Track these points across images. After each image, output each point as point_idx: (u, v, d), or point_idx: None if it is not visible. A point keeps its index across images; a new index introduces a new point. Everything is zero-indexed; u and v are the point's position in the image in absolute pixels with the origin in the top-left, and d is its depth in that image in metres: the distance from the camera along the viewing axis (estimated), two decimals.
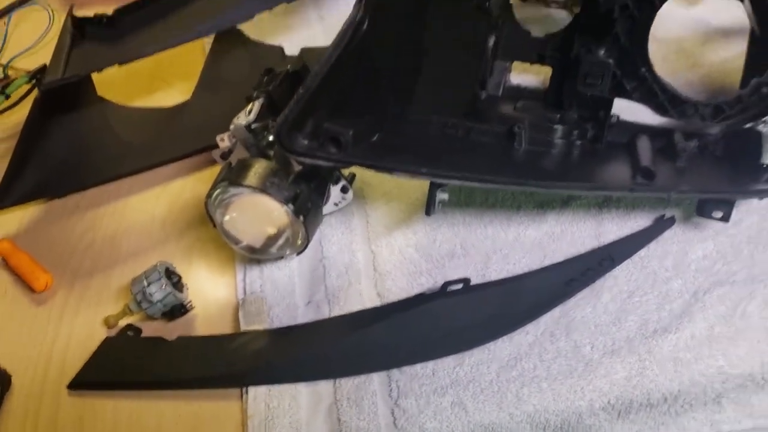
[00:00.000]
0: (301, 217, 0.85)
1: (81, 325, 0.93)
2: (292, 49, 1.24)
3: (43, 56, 1.20)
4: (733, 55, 1.14)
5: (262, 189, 0.83)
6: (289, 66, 0.97)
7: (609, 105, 0.97)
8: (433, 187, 0.83)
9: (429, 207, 0.84)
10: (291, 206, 0.84)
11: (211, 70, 1.17)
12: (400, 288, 0.92)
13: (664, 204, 0.97)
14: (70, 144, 1.05)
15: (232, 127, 0.90)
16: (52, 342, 0.91)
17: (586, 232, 0.95)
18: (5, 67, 1.15)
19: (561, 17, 1.30)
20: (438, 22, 0.94)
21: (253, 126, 0.89)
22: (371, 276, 0.94)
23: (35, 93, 1.14)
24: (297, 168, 0.88)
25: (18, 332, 0.93)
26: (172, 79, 1.23)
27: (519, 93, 1.07)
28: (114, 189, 1.07)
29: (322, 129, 0.80)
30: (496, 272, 0.92)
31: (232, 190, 0.85)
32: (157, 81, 1.22)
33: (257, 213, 0.88)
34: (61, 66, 0.93)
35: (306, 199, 0.85)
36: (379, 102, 0.85)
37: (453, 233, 0.96)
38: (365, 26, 0.76)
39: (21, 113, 1.16)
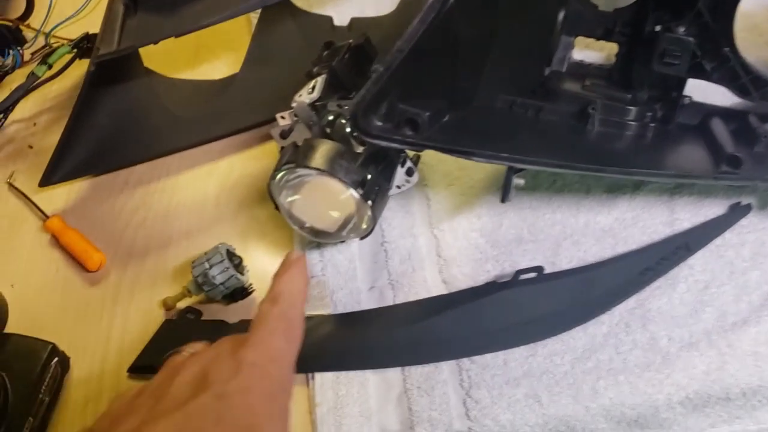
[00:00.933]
0: (369, 202, 0.82)
1: (137, 307, 0.90)
2: (340, 19, 1.19)
3: (85, 25, 1.16)
4: None
5: (331, 172, 0.80)
6: (351, 40, 0.92)
7: (682, 85, 0.93)
8: (510, 172, 0.80)
9: (505, 194, 0.81)
10: (360, 190, 0.81)
11: (260, 41, 1.12)
12: (465, 275, 0.89)
13: (739, 191, 0.93)
14: (118, 118, 1.02)
15: (294, 104, 0.86)
16: (109, 323, 0.89)
17: (659, 219, 0.92)
18: (47, 35, 1.10)
19: None
20: None
21: (317, 104, 0.85)
22: (435, 262, 0.91)
23: (79, 63, 1.11)
24: (361, 150, 0.85)
25: (74, 313, 0.91)
26: (218, 49, 1.18)
27: (582, 69, 1.02)
28: (163, 166, 1.04)
29: (396, 110, 0.77)
30: (566, 260, 0.89)
31: (299, 172, 0.82)
32: (203, 51, 1.18)
33: (323, 196, 0.85)
34: (116, 37, 0.89)
35: (374, 182, 0.82)
36: (454, 80, 0.81)
37: (520, 218, 0.93)
38: None
39: (62, 83, 1.13)
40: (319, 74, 0.89)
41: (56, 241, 0.96)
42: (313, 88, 0.86)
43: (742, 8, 1.15)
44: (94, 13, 1.20)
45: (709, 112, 0.96)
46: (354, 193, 0.82)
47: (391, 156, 0.85)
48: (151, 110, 1.04)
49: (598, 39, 1.01)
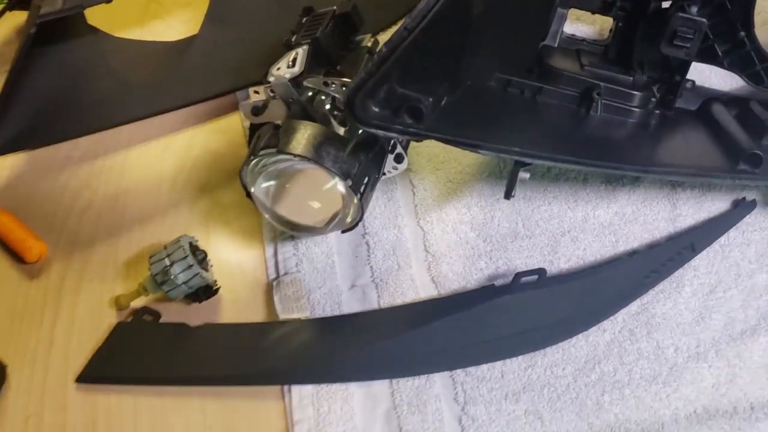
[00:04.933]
0: (358, 195, 0.72)
1: (85, 305, 0.79)
2: None
3: None
4: None
5: (317, 160, 0.70)
6: (335, 7, 0.81)
7: (686, 68, 0.87)
8: (518, 167, 0.72)
9: (510, 189, 0.72)
10: (348, 181, 0.71)
11: None
12: (456, 273, 0.81)
13: (742, 185, 0.88)
14: (59, 83, 0.88)
15: (271, 79, 0.75)
16: (52, 325, 0.78)
17: (661, 214, 0.86)
18: None
19: None
20: None
21: (300, 80, 0.75)
22: (423, 258, 0.83)
23: (10, 15, 0.96)
24: (343, 131, 0.75)
25: (9, 312, 0.78)
26: (170, 4, 1.05)
27: (575, 44, 0.95)
28: (110, 139, 0.91)
29: (395, 95, 0.67)
30: (565, 258, 0.82)
31: (281, 159, 0.72)
32: (153, 6, 1.04)
33: (305, 186, 0.75)
34: None
35: (364, 172, 0.73)
36: (458, 61, 0.72)
37: (513, 210, 0.85)
38: None
39: None
40: (299, 45, 0.78)
41: None
42: (294, 61, 0.75)
43: None
44: None
45: (709, 96, 0.91)
46: (342, 185, 0.72)
47: (382, 142, 0.75)
48: (97, 75, 0.90)
49: (594, 12, 0.93)
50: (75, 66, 0.90)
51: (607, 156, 0.76)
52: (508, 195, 0.73)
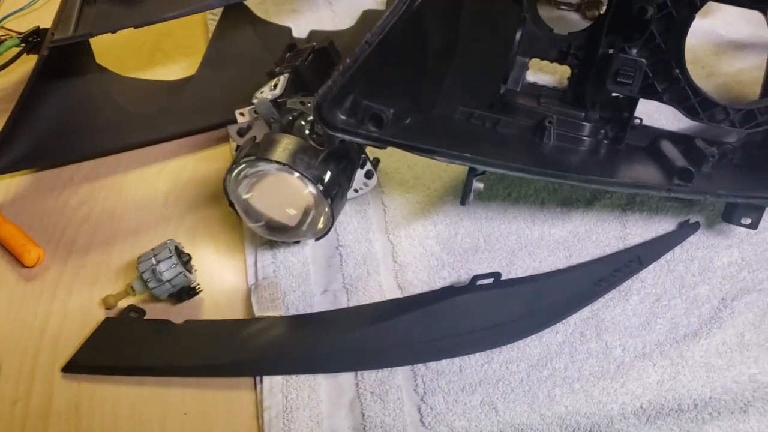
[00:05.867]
0: (329, 199, 0.80)
1: (76, 304, 0.86)
2: (298, 32, 1.19)
3: (36, 18, 1.13)
4: (748, 66, 1.15)
5: (292, 166, 0.78)
6: (314, 43, 0.92)
7: (633, 106, 0.96)
8: (471, 175, 0.80)
9: (465, 196, 0.80)
10: (320, 186, 0.79)
11: (218, 45, 1.11)
12: (421, 280, 0.88)
13: (687, 209, 0.96)
14: (67, 112, 0.98)
15: (255, 101, 0.85)
16: (44, 321, 0.84)
17: (611, 233, 0.93)
18: None
19: (573, 19, 1.29)
20: (474, 9, 0.91)
21: (279, 101, 0.84)
22: (391, 267, 0.89)
23: (26, 59, 1.07)
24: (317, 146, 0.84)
25: (6, 309, 0.85)
26: (173, 52, 1.16)
27: (537, 90, 1.04)
28: (111, 163, 1.00)
29: (360, 106, 0.76)
30: (521, 269, 0.89)
31: (260, 166, 0.80)
32: (158, 54, 1.16)
33: (281, 192, 0.83)
34: (72, 24, 0.86)
35: (334, 180, 0.81)
36: (418, 83, 0.81)
37: (476, 227, 0.93)
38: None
39: (7, 78, 1.09)
40: (281, 73, 0.88)
41: None
42: (276, 85, 0.85)
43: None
44: (46, 7, 1.16)
45: (658, 135, 0.99)
46: (313, 189, 0.80)
47: (352, 156, 0.84)
48: (102, 106, 1.00)
49: (552, 61, 1.03)
50: (82, 97, 1.00)
51: (554, 167, 0.84)
52: (463, 201, 0.81)
